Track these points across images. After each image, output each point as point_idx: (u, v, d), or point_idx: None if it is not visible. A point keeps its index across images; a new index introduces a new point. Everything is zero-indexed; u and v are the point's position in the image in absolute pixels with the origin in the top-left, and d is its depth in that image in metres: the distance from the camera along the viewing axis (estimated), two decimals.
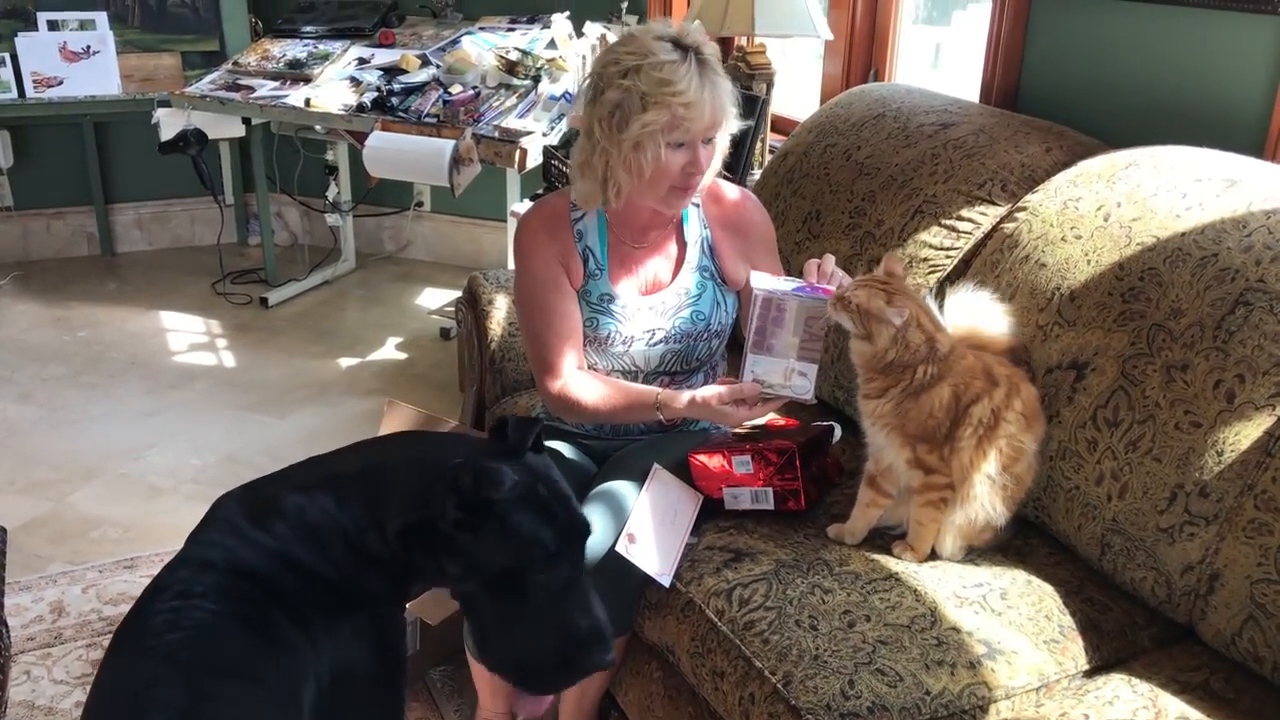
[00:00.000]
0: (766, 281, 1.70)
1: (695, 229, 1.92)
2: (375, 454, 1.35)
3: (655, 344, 1.90)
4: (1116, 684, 1.45)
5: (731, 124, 1.80)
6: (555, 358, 1.85)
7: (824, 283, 1.69)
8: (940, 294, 2.07)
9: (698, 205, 1.93)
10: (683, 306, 1.90)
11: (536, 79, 3.45)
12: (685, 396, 1.76)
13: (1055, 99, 2.40)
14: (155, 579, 1.24)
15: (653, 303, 1.90)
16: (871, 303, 1.60)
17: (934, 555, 1.69)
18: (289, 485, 1.31)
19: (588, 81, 1.81)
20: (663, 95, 1.70)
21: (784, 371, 1.68)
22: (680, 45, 1.73)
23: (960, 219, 2.08)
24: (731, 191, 1.96)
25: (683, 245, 1.93)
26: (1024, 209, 1.97)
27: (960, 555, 1.69)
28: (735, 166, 2.56)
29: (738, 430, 1.84)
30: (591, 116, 1.78)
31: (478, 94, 3.46)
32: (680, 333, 1.90)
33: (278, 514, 1.27)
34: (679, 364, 1.92)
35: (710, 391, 1.72)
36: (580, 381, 1.85)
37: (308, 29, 4.08)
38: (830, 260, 1.71)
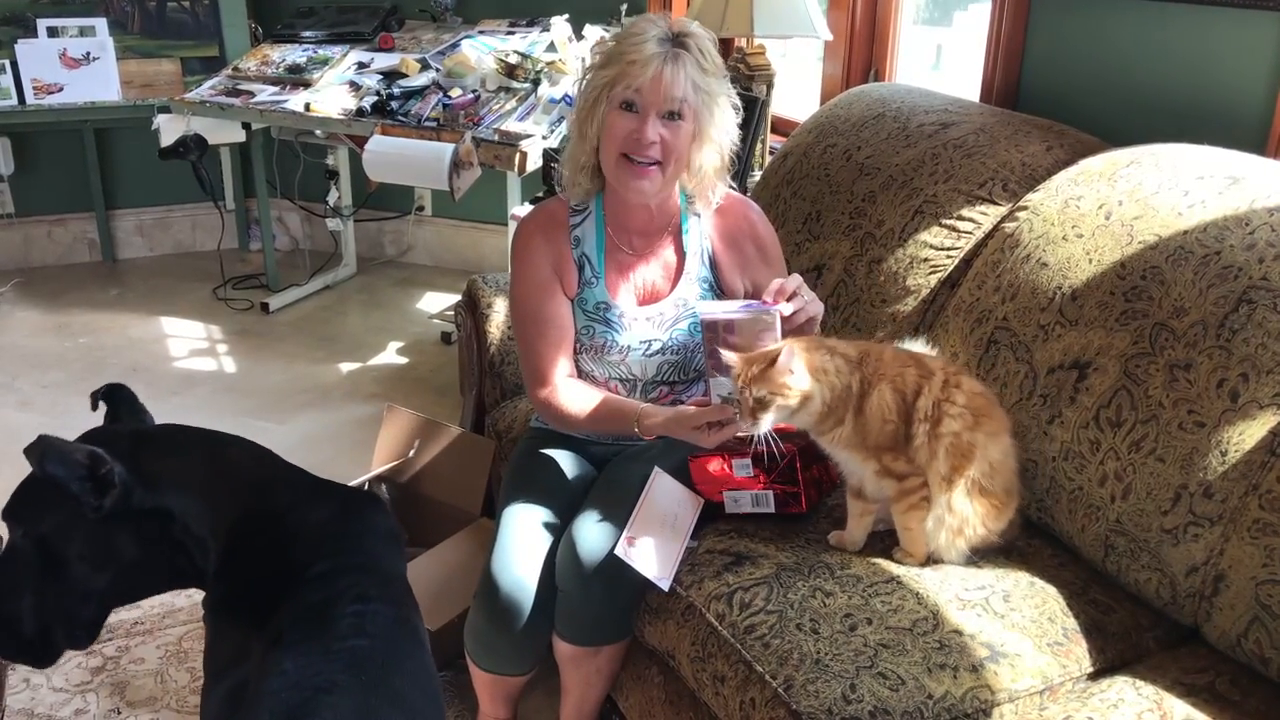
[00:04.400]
0: (710, 306, 1.69)
1: (695, 240, 1.91)
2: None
3: (652, 354, 1.88)
4: (1121, 686, 1.44)
5: (708, 115, 1.75)
6: (544, 365, 1.85)
7: (787, 303, 1.63)
8: (941, 295, 2.06)
9: (698, 215, 1.91)
10: (681, 318, 1.89)
11: (536, 82, 3.44)
12: (662, 416, 1.74)
13: (1056, 97, 2.39)
14: (324, 585, 1.26)
15: (650, 313, 1.88)
16: (771, 380, 1.53)
17: (937, 559, 1.68)
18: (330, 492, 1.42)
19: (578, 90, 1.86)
20: (617, 53, 1.74)
21: None
22: (667, 34, 1.75)
23: (961, 219, 2.07)
24: (734, 201, 1.94)
25: (682, 255, 1.91)
26: (1025, 208, 1.96)
27: (962, 558, 1.67)
28: (735, 170, 2.55)
29: (738, 434, 1.83)
30: (573, 115, 1.84)
31: (477, 97, 3.45)
32: (678, 344, 1.89)
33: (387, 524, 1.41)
34: (677, 374, 1.91)
35: (686, 412, 1.70)
36: (568, 391, 1.84)
37: (307, 34, 4.07)
38: (794, 280, 1.66)
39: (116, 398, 1.49)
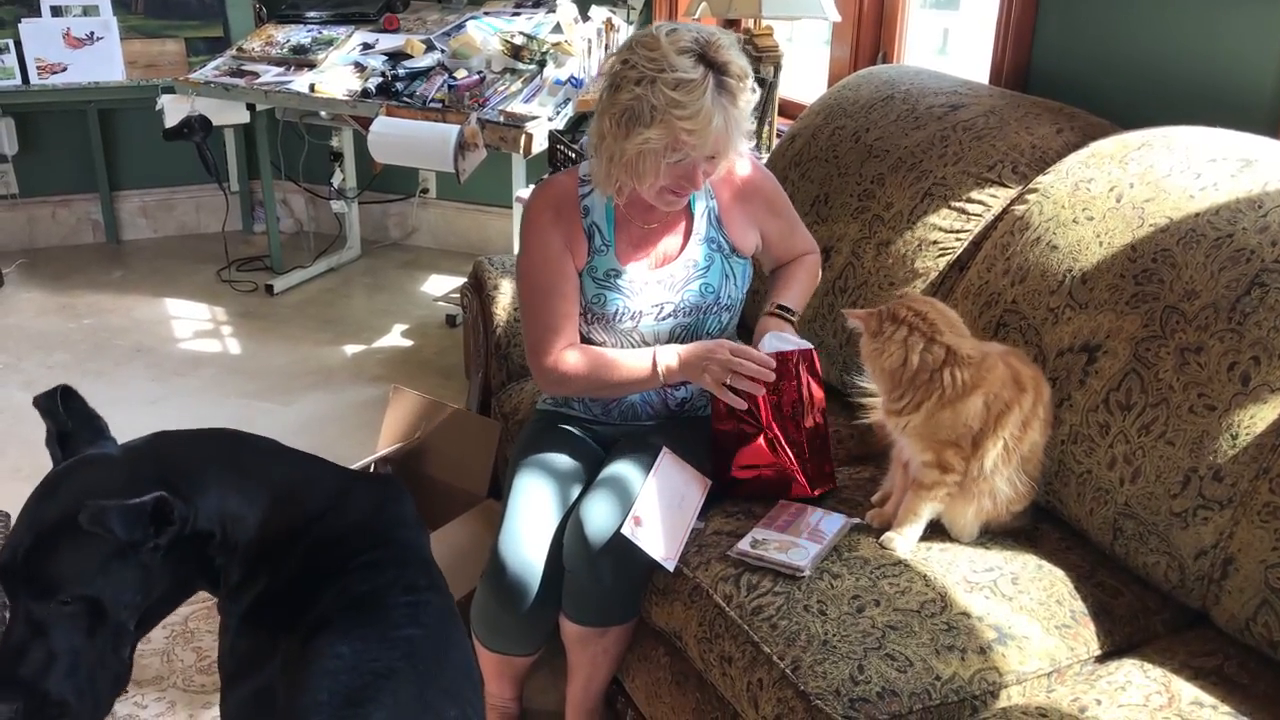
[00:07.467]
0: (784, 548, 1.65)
1: (701, 200, 1.90)
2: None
3: (664, 318, 1.88)
4: (1129, 669, 1.44)
5: (741, 147, 1.76)
6: (553, 334, 1.84)
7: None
8: (949, 277, 2.05)
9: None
10: (691, 279, 1.89)
11: (542, 63, 3.42)
12: (688, 350, 1.81)
13: (1066, 80, 2.37)
14: (370, 576, 1.24)
15: (660, 276, 1.88)
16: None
17: (948, 538, 1.68)
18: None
19: (608, 66, 1.77)
20: (670, 114, 1.66)
21: (781, 543, 1.65)
22: (705, 60, 1.67)
23: (970, 201, 2.06)
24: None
25: (689, 217, 1.91)
26: (1035, 191, 1.95)
27: (973, 538, 1.68)
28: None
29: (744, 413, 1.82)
30: (605, 109, 1.74)
31: (483, 79, 3.43)
32: (690, 306, 1.89)
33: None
34: (689, 337, 1.91)
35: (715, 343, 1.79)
36: (574, 354, 1.85)
37: (312, 14, 4.05)
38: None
39: (69, 404, 1.31)
